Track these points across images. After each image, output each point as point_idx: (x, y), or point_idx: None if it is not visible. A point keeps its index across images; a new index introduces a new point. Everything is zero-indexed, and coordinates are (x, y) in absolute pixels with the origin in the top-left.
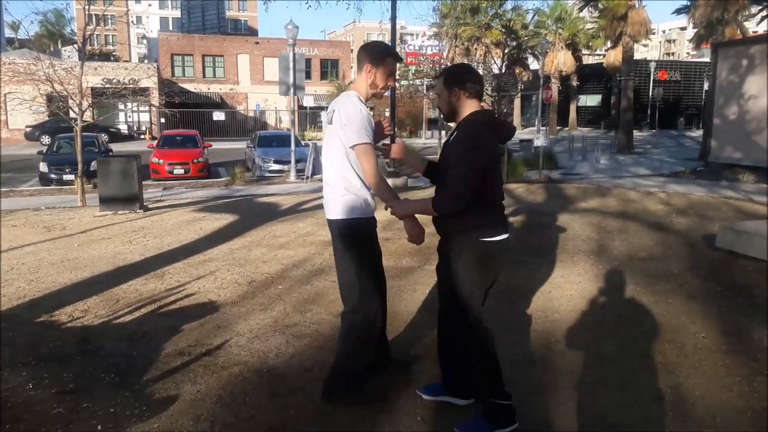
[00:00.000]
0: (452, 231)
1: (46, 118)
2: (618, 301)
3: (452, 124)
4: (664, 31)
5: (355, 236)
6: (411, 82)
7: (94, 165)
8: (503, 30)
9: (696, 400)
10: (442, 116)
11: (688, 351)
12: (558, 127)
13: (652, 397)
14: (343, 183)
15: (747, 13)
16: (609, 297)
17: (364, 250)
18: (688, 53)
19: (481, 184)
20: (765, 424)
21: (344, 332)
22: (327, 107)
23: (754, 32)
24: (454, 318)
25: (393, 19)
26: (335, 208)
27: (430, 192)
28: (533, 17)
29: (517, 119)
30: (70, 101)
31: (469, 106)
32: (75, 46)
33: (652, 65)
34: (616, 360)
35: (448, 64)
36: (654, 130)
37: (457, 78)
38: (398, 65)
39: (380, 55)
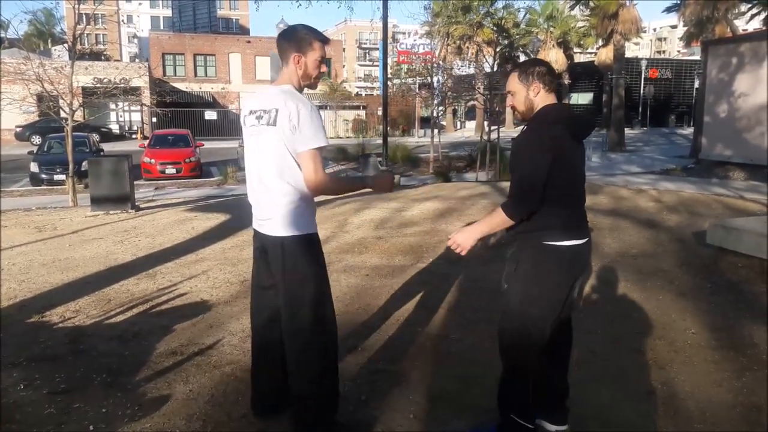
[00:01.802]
0: (519, 233)
1: (37, 118)
2: (609, 297)
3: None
4: (654, 29)
5: (319, 252)
6: (403, 80)
7: (85, 165)
8: (495, 28)
9: (686, 396)
10: (516, 119)
11: (678, 347)
12: None
13: (643, 393)
14: (298, 193)
15: (737, 11)
16: (600, 294)
17: (325, 268)
18: (678, 51)
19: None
20: (753, 419)
21: (317, 371)
22: (250, 107)
23: (744, 30)
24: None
25: (384, 17)
26: (293, 223)
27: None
28: (525, 16)
29: (509, 117)
30: (61, 101)
31: (545, 101)
32: (65, 45)
33: (643, 63)
34: (608, 356)
35: (441, 63)
36: (645, 128)
37: (536, 70)
38: (394, 62)
39: (306, 40)
